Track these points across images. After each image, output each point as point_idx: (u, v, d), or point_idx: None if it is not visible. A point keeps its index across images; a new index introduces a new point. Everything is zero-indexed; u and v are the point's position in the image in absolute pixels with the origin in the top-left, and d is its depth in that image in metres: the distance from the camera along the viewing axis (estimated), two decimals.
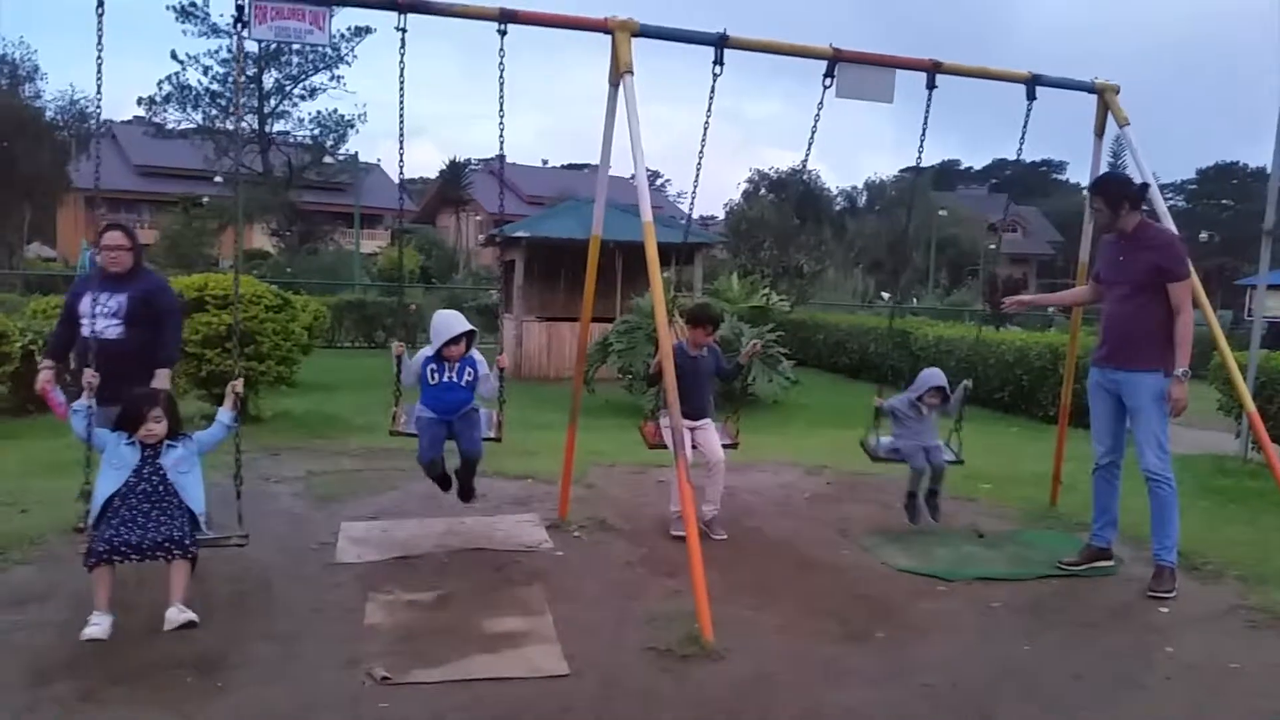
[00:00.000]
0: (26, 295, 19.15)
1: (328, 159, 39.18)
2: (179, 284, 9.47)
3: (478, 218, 47.32)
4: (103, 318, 4.95)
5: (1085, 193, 5.55)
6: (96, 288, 4.93)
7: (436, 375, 5.32)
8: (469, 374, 5.36)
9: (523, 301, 16.71)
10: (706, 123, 5.65)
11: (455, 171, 46.26)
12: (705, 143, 5.75)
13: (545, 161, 62.70)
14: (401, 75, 5.01)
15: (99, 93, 4.53)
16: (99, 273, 5.03)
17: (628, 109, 5.04)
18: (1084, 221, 6.72)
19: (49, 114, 33.41)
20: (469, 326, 5.40)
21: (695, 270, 16.10)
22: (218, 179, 35.88)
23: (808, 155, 6.38)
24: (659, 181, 63.97)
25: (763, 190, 45.29)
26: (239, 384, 4.69)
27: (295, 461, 7.88)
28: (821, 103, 5.64)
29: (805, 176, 45.40)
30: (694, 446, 5.81)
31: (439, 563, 5.22)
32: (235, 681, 3.64)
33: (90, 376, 4.30)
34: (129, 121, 42.88)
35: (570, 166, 63.73)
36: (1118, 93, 6.23)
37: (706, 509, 5.80)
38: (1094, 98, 6.27)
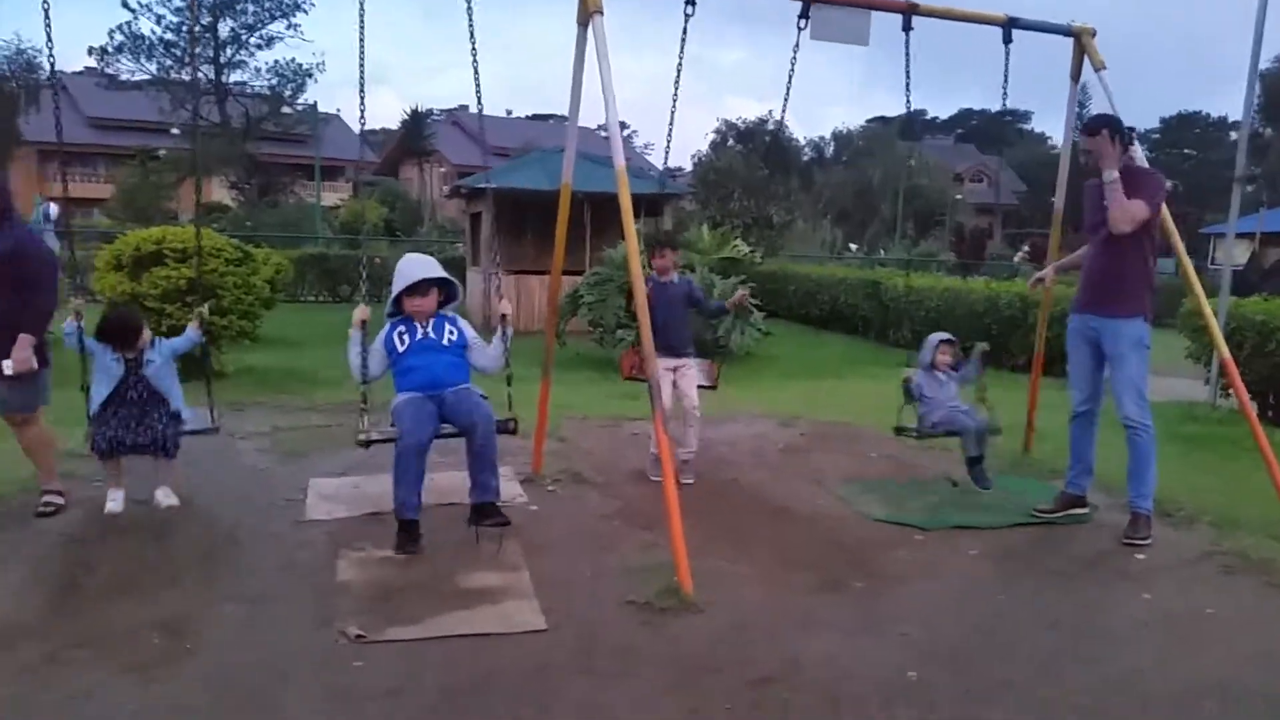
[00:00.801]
0: None
1: (286, 109, 38.23)
2: (135, 238, 9.20)
3: (441, 169, 46.57)
4: None
5: (1078, 135, 5.44)
6: None
7: (405, 337, 4.54)
8: (451, 332, 4.61)
9: (489, 254, 16.47)
10: (680, 64, 5.50)
11: (417, 122, 45.37)
12: (679, 85, 5.61)
13: (510, 112, 61.71)
14: (362, 21, 4.59)
15: (50, 41, 4.45)
16: None
17: (598, 50, 4.86)
18: (1060, 171, 6.67)
19: None
20: (441, 272, 4.66)
21: (664, 222, 15.93)
22: (174, 131, 34.93)
23: (786, 103, 6.23)
24: (625, 133, 63.27)
25: (730, 141, 44.97)
26: (205, 309, 5.27)
27: (260, 417, 7.73)
28: (797, 45, 5.51)
29: (775, 126, 45.19)
30: (672, 386, 5.77)
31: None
32: (204, 643, 3.55)
33: (79, 306, 4.73)
34: (80, 73, 41.49)
35: (536, 117, 62.78)
36: (1094, 36, 6.15)
37: (681, 452, 5.75)
38: (1069, 42, 6.19)
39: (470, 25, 4.90)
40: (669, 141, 6.11)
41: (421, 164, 44.55)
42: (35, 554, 4.40)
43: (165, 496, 4.94)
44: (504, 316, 4.71)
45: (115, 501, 4.87)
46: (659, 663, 3.51)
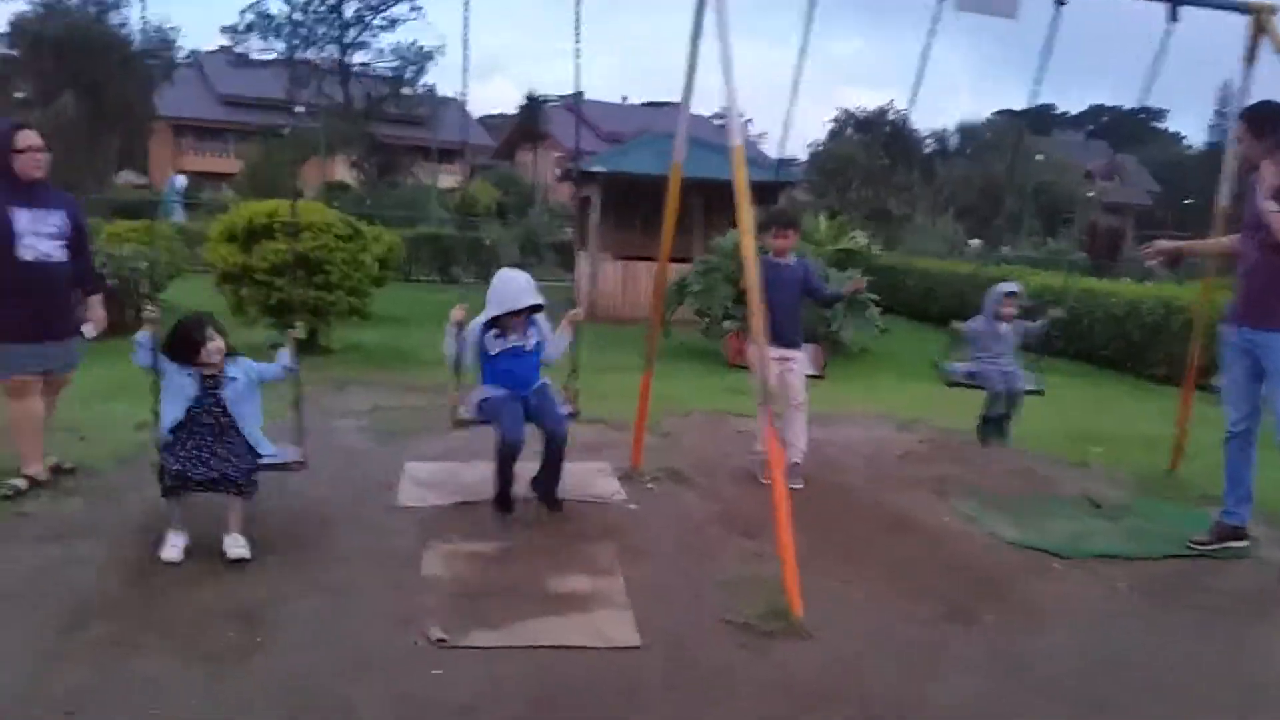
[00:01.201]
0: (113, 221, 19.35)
1: (406, 91, 38.90)
2: (248, 210, 9.27)
3: (555, 154, 46.80)
4: (47, 239, 4.68)
5: (1238, 120, 4.85)
6: (20, 200, 4.59)
7: (499, 343, 4.71)
8: (534, 335, 4.79)
9: (598, 239, 16.26)
10: (804, 47, 5.14)
11: (533, 107, 45.65)
12: (802, 70, 5.26)
13: (625, 99, 61.58)
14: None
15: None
16: (9, 181, 4.60)
17: (719, 23, 4.46)
18: (1224, 164, 6.00)
19: (135, 42, 33.68)
20: (537, 299, 4.69)
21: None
22: (298, 109, 35.96)
23: (916, 90, 5.73)
24: (741, 119, 62.49)
25: (848, 130, 43.80)
26: (297, 332, 4.58)
27: (361, 395, 7.65)
28: (937, 16, 5.04)
29: (897, 115, 43.73)
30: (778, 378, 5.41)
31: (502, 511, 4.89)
32: (278, 638, 3.36)
33: (154, 313, 4.06)
34: (214, 51, 43.16)
35: (649, 104, 62.49)
36: (1274, 14, 5.47)
37: (790, 453, 5.36)
38: (1244, 20, 5.55)
39: (577, 13, 4.79)
40: (786, 127, 5.68)
41: (535, 148, 44.81)
42: (120, 525, 4.31)
43: (235, 546, 3.98)
44: (574, 323, 4.95)
45: (175, 548, 3.96)
46: (761, 691, 3.16)
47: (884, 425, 7.57)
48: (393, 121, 39.07)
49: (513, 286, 4.67)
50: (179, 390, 4.10)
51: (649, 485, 5.43)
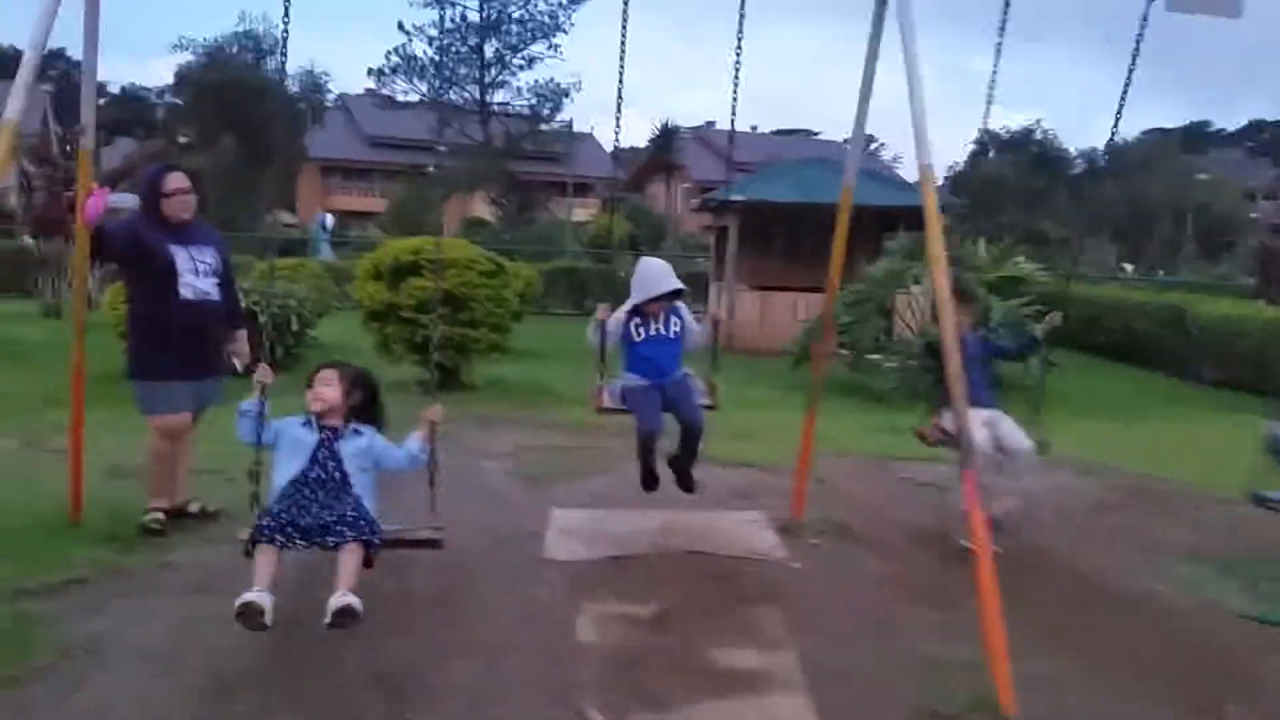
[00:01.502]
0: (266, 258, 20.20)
1: (543, 127, 39.67)
2: (393, 248, 9.31)
3: (686, 185, 46.81)
4: (204, 277, 4.67)
5: None
6: (175, 239, 4.58)
7: (641, 330, 4.74)
8: (675, 324, 4.78)
9: (735, 269, 15.89)
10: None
11: (667, 137, 45.87)
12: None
13: (754, 127, 61.33)
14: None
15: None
16: (154, 222, 4.57)
17: (904, 36, 3.99)
18: None
19: (288, 87, 35.52)
20: (678, 284, 4.72)
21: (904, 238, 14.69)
22: (441, 148, 37.10)
23: (1124, 97, 5.08)
24: (872, 146, 61.28)
25: (990, 152, 42.12)
26: (437, 411, 3.76)
27: (505, 434, 7.48)
28: (1145, 18, 4.46)
29: (1045, 134, 41.69)
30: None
31: (657, 567, 4.54)
32: (428, 713, 3.08)
33: (264, 375, 3.67)
34: (361, 94, 45.16)
35: (780, 132, 62.00)
36: None
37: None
38: None
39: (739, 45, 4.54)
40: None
41: (669, 179, 44.94)
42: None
43: (339, 598, 3.18)
44: (716, 322, 4.95)
45: (259, 596, 3.17)
46: None
47: (1063, 470, 6.87)
48: (529, 158, 39.89)
49: (653, 272, 4.74)
50: (294, 444, 3.65)
51: (813, 541, 4.98)
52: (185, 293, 4.55)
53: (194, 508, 4.88)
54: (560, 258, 24.52)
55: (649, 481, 4.79)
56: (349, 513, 3.44)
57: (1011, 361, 5.87)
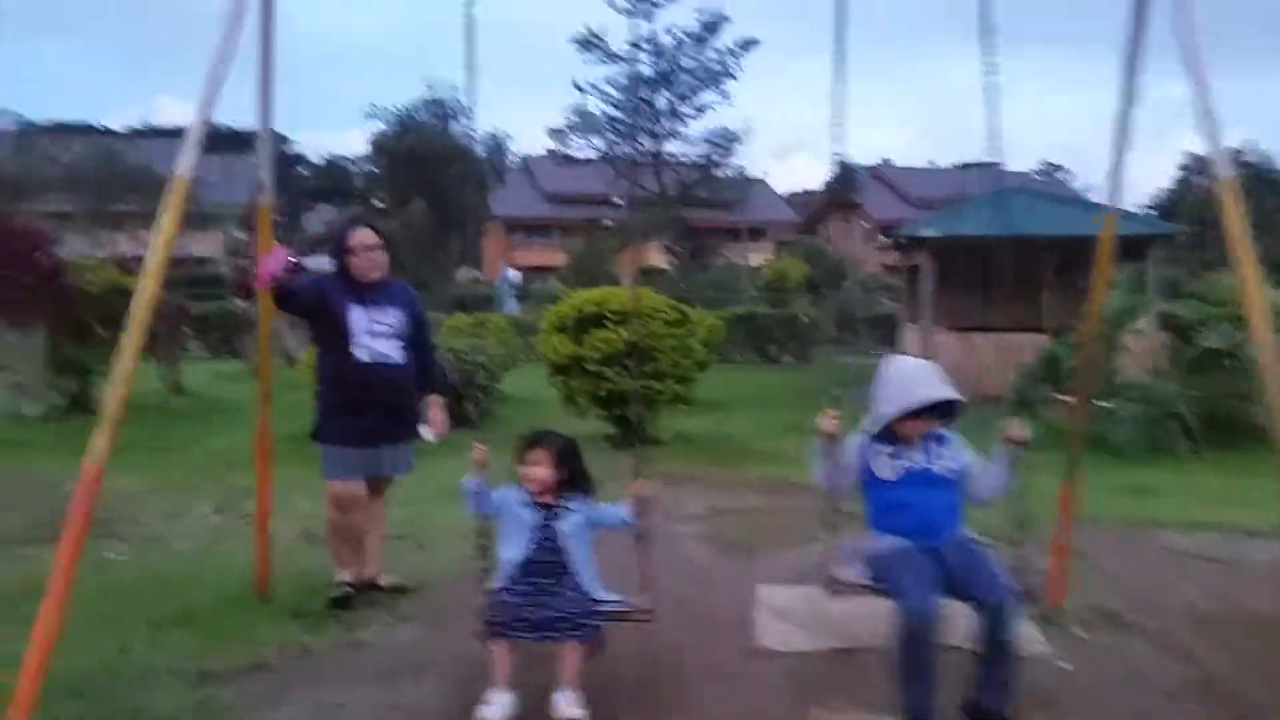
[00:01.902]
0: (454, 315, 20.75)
1: (716, 173, 39.66)
2: (578, 299, 9.09)
3: (864, 224, 45.61)
4: (383, 338, 4.36)
5: None
6: (356, 298, 4.34)
7: (894, 463, 3.35)
8: (945, 458, 3.38)
9: (931, 309, 14.90)
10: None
11: (846, 174, 45.00)
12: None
13: (932, 162, 59.37)
14: None
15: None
16: (341, 280, 4.38)
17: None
18: None
19: (475, 151, 37.11)
20: (951, 391, 3.33)
21: (1147, 268, 13.29)
22: (617, 201, 37.64)
23: None
24: (1060, 175, 57.99)
25: (1198, 176, 38.77)
26: (646, 487, 3.49)
27: (696, 494, 6.98)
28: None
29: (1256, 157, 38.16)
30: None
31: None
32: None
33: (480, 454, 3.44)
34: (541, 156, 46.69)
35: (962, 166, 59.70)
36: None
37: None
38: None
39: None
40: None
41: (847, 218, 43.98)
42: (460, 661, 3.76)
43: (567, 706, 3.19)
44: (1016, 440, 3.30)
45: (499, 707, 3.19)
46: None
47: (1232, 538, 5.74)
48: (702, 205, 39.96)
49: (915, 379, 3.35)
50: (516, 524, 3.47)
51: (1079, 633, 4.18)
52: (359, 354, 4.30)
53: (385, 581, 4.61)
54: (738, 303, 24.03)
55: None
56: (571, 609, 3.31)
57: None
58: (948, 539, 3.28)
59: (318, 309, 4.37)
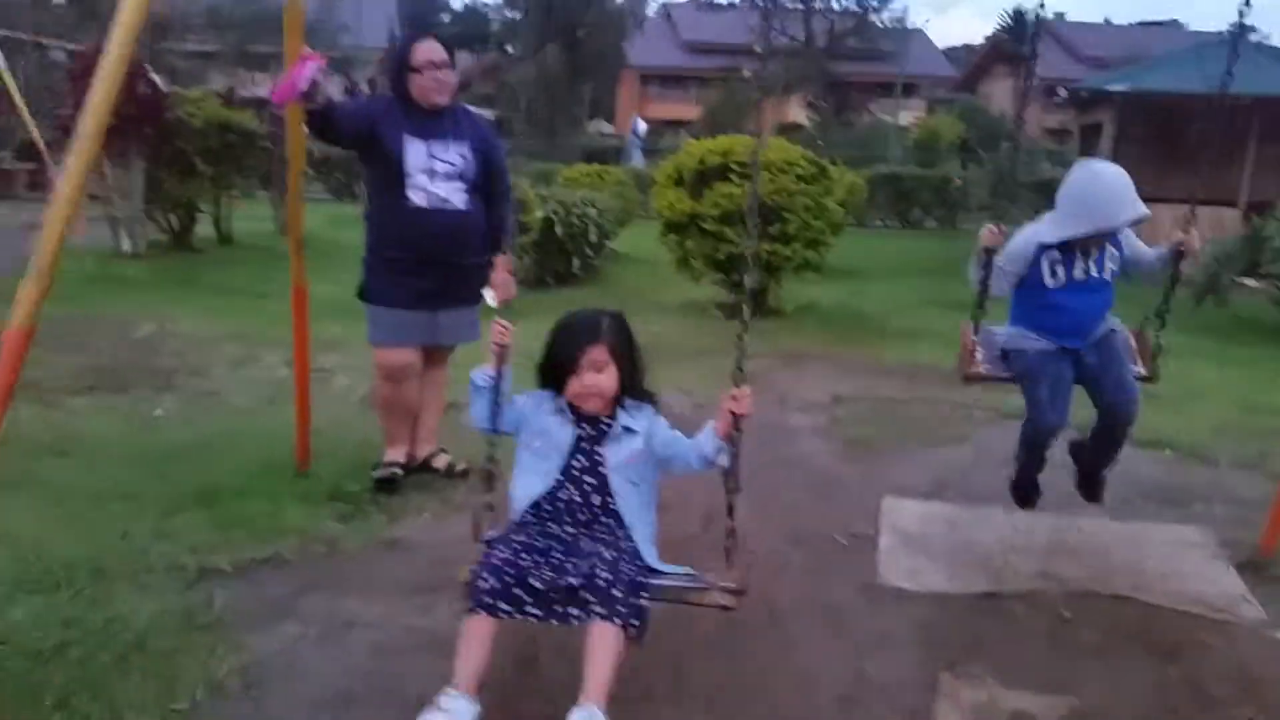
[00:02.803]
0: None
1: (871, 20, 36.66)
2: (700, 149, 8.07)
3: (1033, 82, 41.79)
4: (446, 180, 3.55)
5: None
6: (414, 129, 3.51)
7: (1061, 271, 3.13)
8: (1113, 258, 3.17)
9: None
10: None
11: (1019, 21, 41.07)
12: None
13: (1107, 20, 53.71)
14: None
15: None
16: (399, 106, 3.57)
17: None
18: None
19: None
20: (1143, 210, 2.98)
21: None
22: (758, 49, 35.42)
23: None
24: (1252, 36, 51.55)
25: None
26: (746, 399, 2.29)
27: (819, 377, 6.10)
28: None
29: None
30: None
31: (1056, 618, 2.99)
32: None
33: (502, 334, 2.47)
34: (684, 1, 44.16)
35: (1143, 24, 53.71)
36: None
37: None
38: None
39: None
40: None
41: (1016, 73, 40.30)
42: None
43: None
44: (1181, 254, 3.18)
45: (455, 706, 2.10)
46: None
47: None
48: (853, 57, 37.26)
49: (1109, 190, 2.99)
50: (545, 439, 2.45)
51: None
52: (414, 197, 3.53)
53: (439, 462, 3.98)
54: (883, 164, 22.22)
55: (1028, 495, 3.46)
56: (602, 571, 2.18)
57: None
58: (1092, 338, 3.18)
59: (367, 140, 3.58)
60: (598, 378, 2.38)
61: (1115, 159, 12.89)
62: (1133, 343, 3.32)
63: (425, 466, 3.94)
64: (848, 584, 3.18)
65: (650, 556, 2.39)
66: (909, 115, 38.83)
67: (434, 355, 3.87)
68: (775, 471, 4.22)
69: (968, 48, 53.88)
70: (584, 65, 33.75)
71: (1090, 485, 3.42)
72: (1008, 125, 33.01)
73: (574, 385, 2.39)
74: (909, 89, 42.82)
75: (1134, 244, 3.26)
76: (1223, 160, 13.01)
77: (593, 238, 9.26)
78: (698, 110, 35.23)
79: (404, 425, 3.85)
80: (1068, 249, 3.10)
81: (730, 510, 2.40)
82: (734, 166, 7.61)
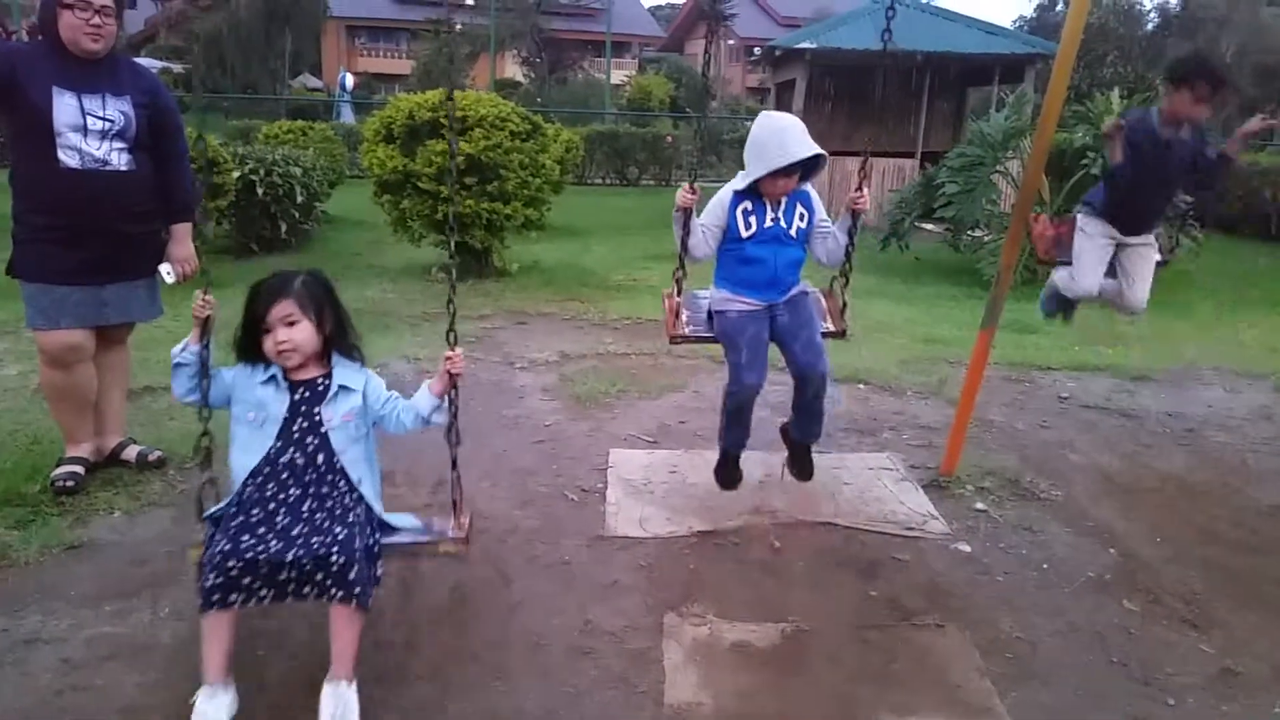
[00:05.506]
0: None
1: None
2: (408, 103, 7.77)
3: (729, 42, 43.90)
4: (103, 138, 3.19)
5: None
6: (65, 79, 3.13)
7: (752, 220, 3.21)
8: (801, 217, 3.23)
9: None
10: None
11: None
12: None
13: None
14: None
15: None
16: (48, 52, 3.18)
17: None
18: None
19: None
20: (816, 148, 3.07)
21: (1025, 89, 12.72)
22: (469, 2, 34.60)
23: None
24: None
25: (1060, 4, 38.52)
26: (457, 361, 2.41)
27: (545, 336, 6.12)
28: None
29: None
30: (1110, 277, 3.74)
31: (766, 549, 3.21)
32: None
33: (202, 307, 2.35)
34: None
35: None
36: None
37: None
38: None
39: None
40: None
41: (713, 34, 42.10)
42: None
43: (335, 704, 2.12)
44: (856, 214, 3.27)
45: (214, 703, 2.11)
46: None
47: (1251, 385, 5.42)
48: (563, 14, 37.39)
49: (782, 133, 3.07)
50: (258, 409, 2.34)
51: (980, 506, 3.60)
52: (66, 158, 3.10)
53: (129, 454, 3.59)
54: (598, 121, 22.58)
55: (730, 476, 3.44)
56: (336, 554, 2.14)
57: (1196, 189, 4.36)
58: (785, 295, 3.29)
59: (5, 89, 3.11)
60: (290, 332, 2.32)
61: (806, 116, 13.89)
62: (823, 302, 3.44)
63: (114, 459, 3.55)
64: (577, 538, 3.23)
65: (378, 508, 2.42)
66: (621, 74, 39.62)
67: (108, 335, 3.44)
68: (505, 433, 4.21)
69: (672, 7, 55.68)
70: (280, 13, 31.47)
71: (800, 463, 3.46)
72: (709, 84, 34.61)
73: (268, 343, 2.32)
74: (620, 47, 43.68)
75: (823, 212, 3.31)
76: (903, 114, 14.35)
77: (300, 199, 8.68)
78: (410, 65, 34.03)
79: (81, 417, 3.42)
80: (758, 198, 3.18)
81: (454, 463, 2.51)
82: (444, 122, 7.39)
